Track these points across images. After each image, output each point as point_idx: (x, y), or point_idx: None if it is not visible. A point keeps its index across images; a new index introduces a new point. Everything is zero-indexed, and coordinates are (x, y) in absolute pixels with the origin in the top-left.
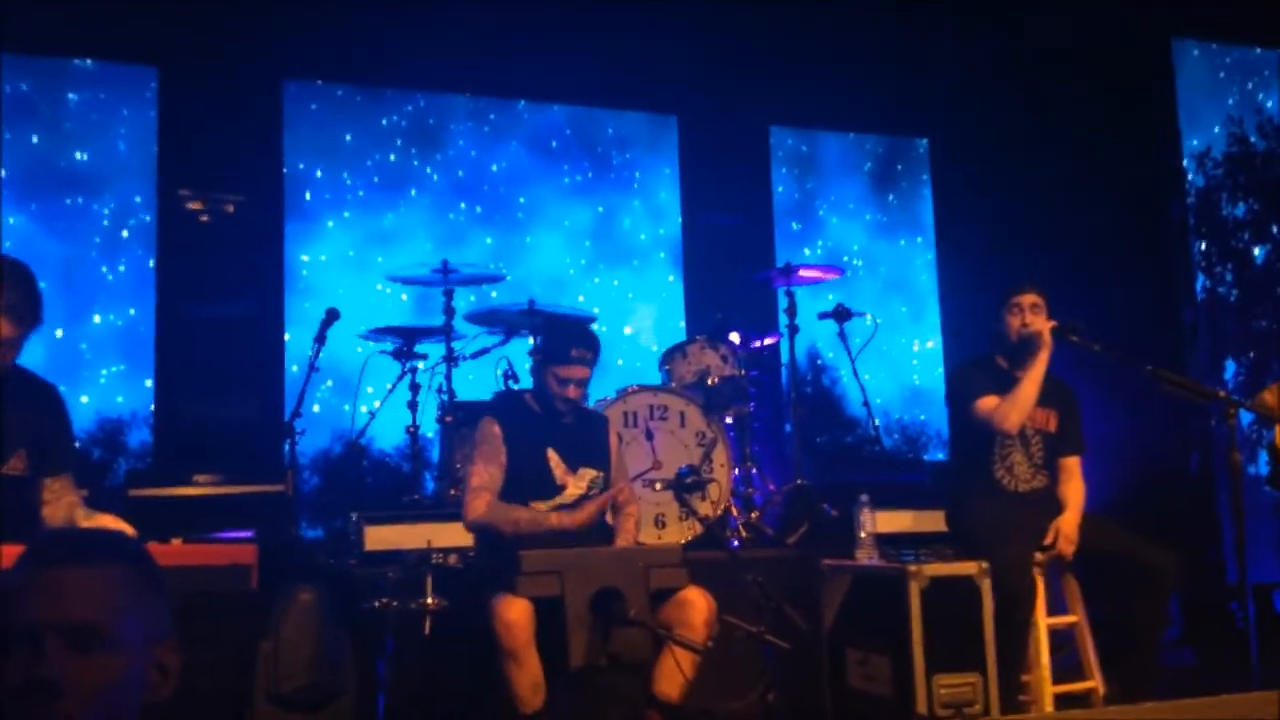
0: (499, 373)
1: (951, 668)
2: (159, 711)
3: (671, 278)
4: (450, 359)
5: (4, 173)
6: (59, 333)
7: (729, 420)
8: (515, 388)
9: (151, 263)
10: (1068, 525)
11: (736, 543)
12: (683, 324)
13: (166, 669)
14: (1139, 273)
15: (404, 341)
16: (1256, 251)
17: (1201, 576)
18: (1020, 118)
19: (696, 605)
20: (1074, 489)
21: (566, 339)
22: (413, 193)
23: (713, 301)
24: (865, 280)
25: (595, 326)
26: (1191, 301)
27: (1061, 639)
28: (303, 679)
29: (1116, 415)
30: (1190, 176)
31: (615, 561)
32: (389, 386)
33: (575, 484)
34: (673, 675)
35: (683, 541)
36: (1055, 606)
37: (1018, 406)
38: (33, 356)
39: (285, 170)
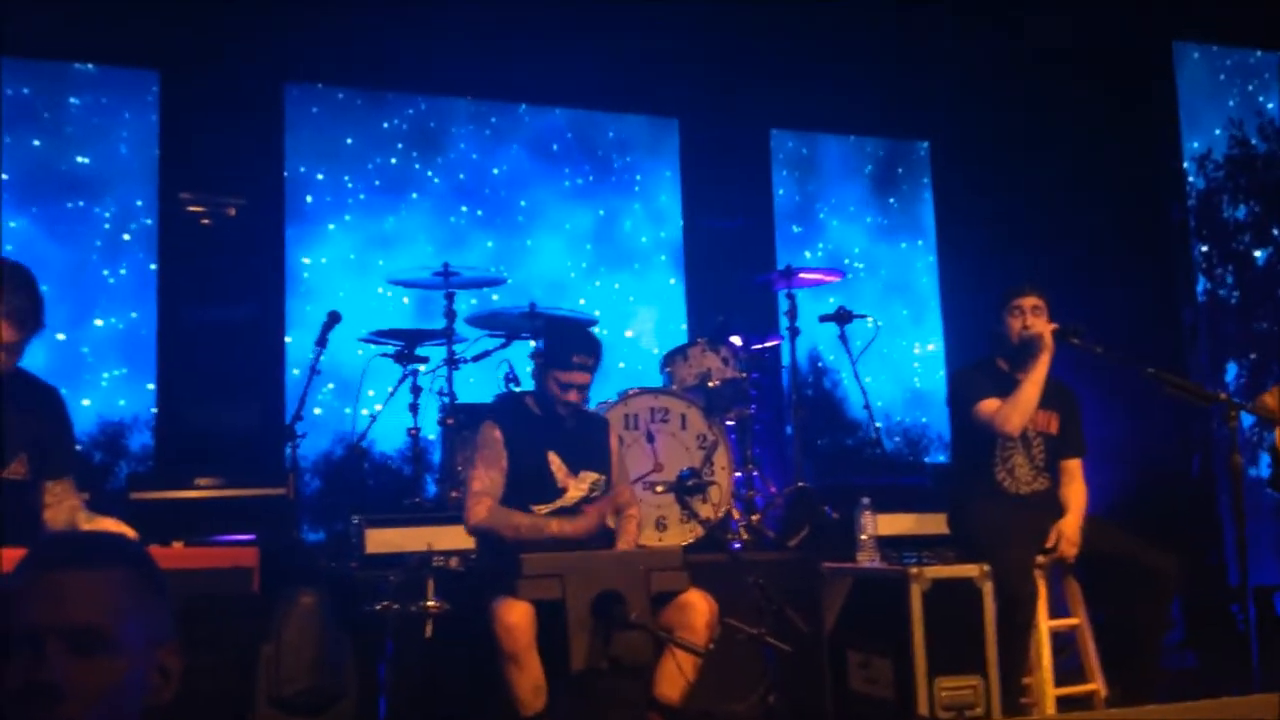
0: (500, 376)
1: (953, 670)
2: (160, 714)
3: (673, 280)
4: (451, 362)
5: (6, 176)
6: (61, 336)
7: (730, 423)
8: (516, 391)
9: (153, 266)
10: (1069, 528)
11: (738, 545)
12: (684, 327)
13: (168, 672)
14: (1139, 275)
15: (405, 344)
16: (1257, 254)
17: (1203, 579)
18: (1021, 120)
19: (698, 608)
20: (1075, 491)
21: (568, 344)
22: (414, 196)
23: (714, 304)
24: (866, 283)
25: (596, 329)
26: (1192, 303)
27: (1063, 641)
28: (304, 682)
29: (1117, 418)
30: (1191, 179)
31: (616, 564)
32: (390, 389)
33: (576, 487)
34: (674, 678)
35: (684, 544)
36: (1057, 609)
37: (1018, 409)
38: (34, 360)
39: (286, 173)
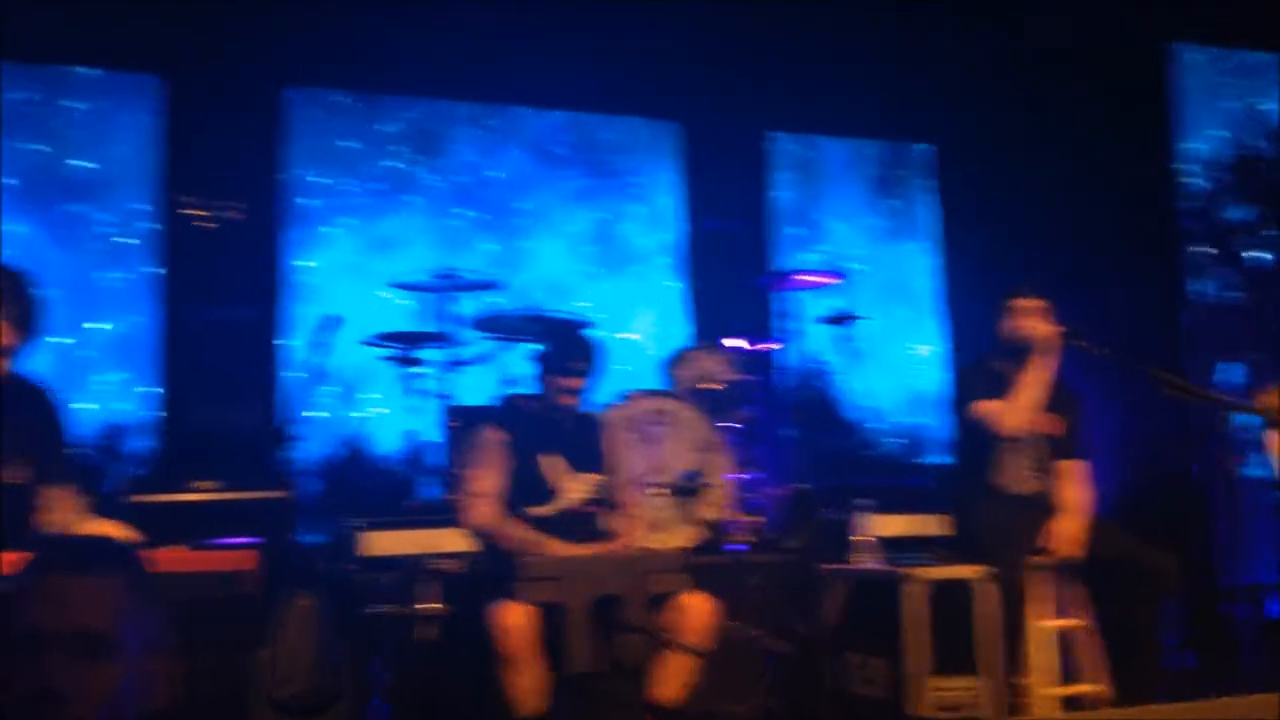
0: (500, 378)
1: (950, 671)
2: (159, 717)
3: (673, 283)
4: (452, 365)
5: (9, 181)
6: (61, 340)
7: (730, 425)
8: (516, 393)
9: (153, 270)
10: (1064, 528)
11: (737, 547)
12: (684, 329)
13: (165, 676)
14: (1139, 275)
15: (405, 347)
16: (1257, 255)
17: (1202, 579)
18: (1022, 121)
19: (697, 610)
20: (1075, 494)
21: (568, 348)
22: (414, 199)
23: (714, 307)
24: (866, 285)
25: (597, 332)
26: (1191, 305)
27: (1065, 642)
28: (302, 684)
29: (1117, 419)
30: (1191, 180)
31: (615, 567)
32: (390, 392)
33: (575, 489)
34: (673, 680)
35: (683, 546)
36: (1059, 610)
37: (1015, 410)
38: (35, 364)
39: (286, 177)
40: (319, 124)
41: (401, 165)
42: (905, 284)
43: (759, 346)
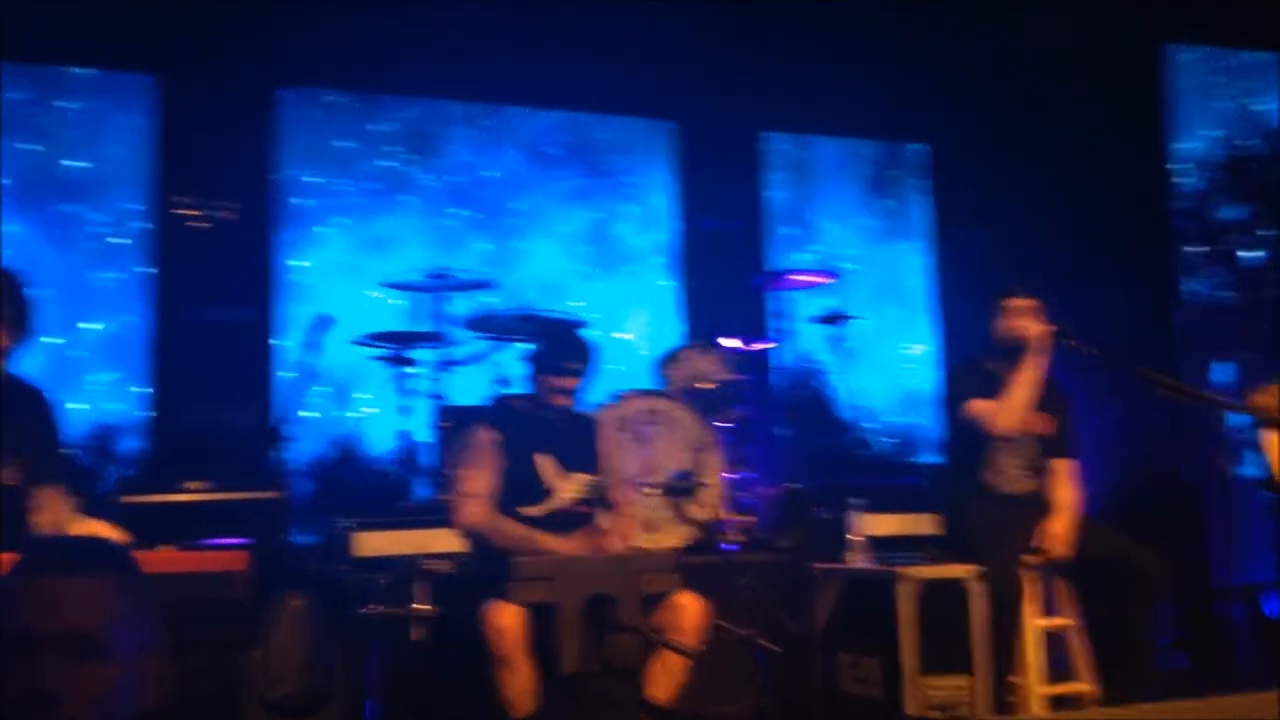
0: (493, 378)
1: (942, 670)
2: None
3: (666, 283)
4: (444, 364)
5: (3, 181)
6: (53, 340)
7: (722, 424)
8: (509, 393)
9: (146, 269)
10: (1055, 527)
11: (729, 547)
12: (677, 329)
13: (157, 677)
14: (1133, 275)
15: (398, 347)
16: (1250, 254)
17: (1193, 579)
18: (1016, 121)
19: (689, 609)
20: (1066, 493)
21: (561, 348)
22: (408, 199)
23: (707, 307)
24: (859, 285)
25: (590, 332)
26: (1185, 304)
27: (1054, 641)
28: (293, 684)
29: (1109, 418)
30: (1185, 179)
31: (607, 567)
32: (382, 392)
33: (567, 488)
34: (665, 680)
35: (676, 546)
36: (1048, 609)
37: (1008, 409)
38: (27, 364)
39: (280, 177)
40: (313, 124)
41: (396, 165)
42: (898, 284)
43: (752, 346)
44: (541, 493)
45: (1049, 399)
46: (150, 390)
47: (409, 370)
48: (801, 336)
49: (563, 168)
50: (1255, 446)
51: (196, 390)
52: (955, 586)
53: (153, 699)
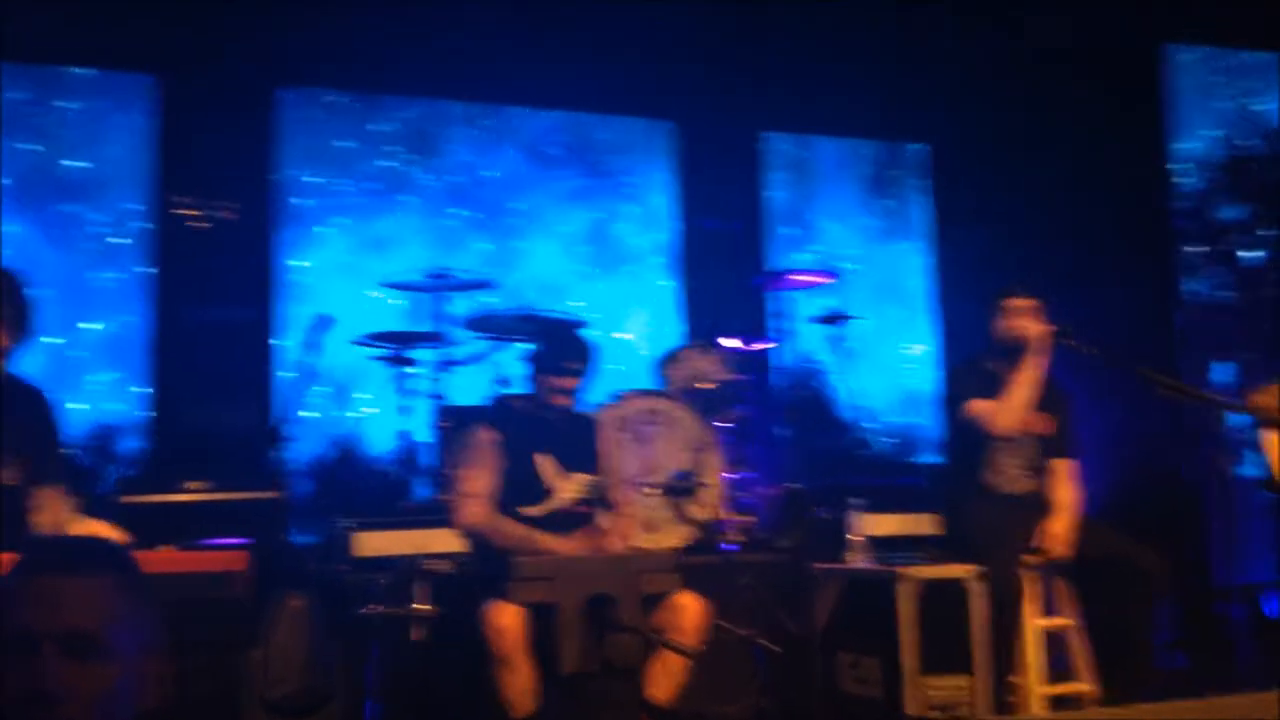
0: (493, 378)
1: (942, 670)
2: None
3: (666, 283)
4: (444, 364)
5: (4, 181)
6: (53, 340)
7: (722, 424)
8: (508, 393)
9: (145, 269)
10: (1056, 527)
11: (729, 547)
12: (678, 329)
13: (156, 677)
14: (1133, 275)
15: (398, 347)
16: (1250, 254)
17: (1193, 579)
18: (1015, 121)
19: (689, 609)
20: (1066, 493)
21: (562, 349)
22: (406, 199)
23: (707, 307)
24: (859, 285)
25: (590, 332)
26: (1185, 304)
27: (1054, 641)
28: (293, 685)
29: (1109, 418)
30: (1185, 179)
31: (607, 567)
32: (382, 392)
33: (567, 489)
34: (665, 680)
35: (676, 546)
36: (1048, 609)
37: (1008, 409)
38: (28, 364)
39: (280, 177)
40: (313, 124)
41: (396, 165)
42: (898, 284)
43: (752, 346)
44: (541, 493)
45: (1049, 399)
46: (150, 390)
47: (409, 370)
48: (801, 336)
49: (563, 168)
50: (1255, 446)
51: (196, 390)
52: (955, 586)
53: (153, 699)
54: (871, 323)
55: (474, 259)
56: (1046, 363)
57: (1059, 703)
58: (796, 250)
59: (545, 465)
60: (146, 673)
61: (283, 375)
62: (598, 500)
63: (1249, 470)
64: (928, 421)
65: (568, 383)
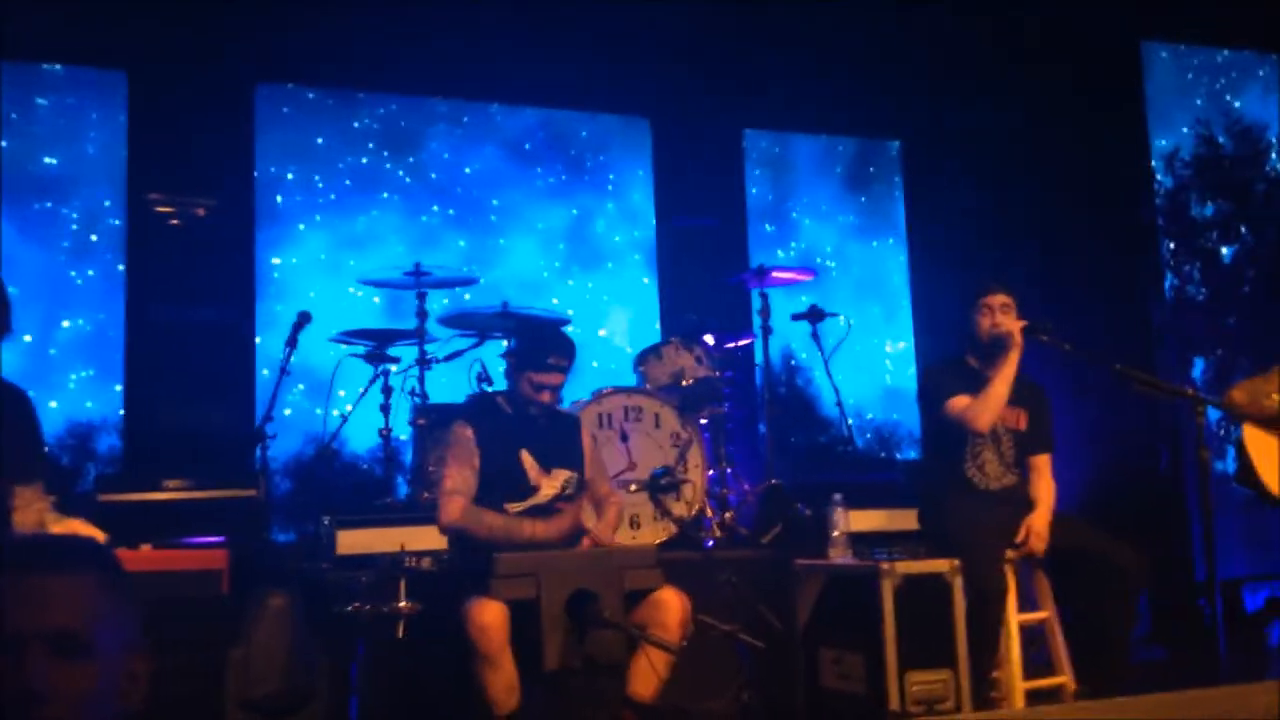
0: (472, 375)
1: (924, 665)
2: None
3: (646, 280)
4: (423, 362)
5: None
6: (28, 338)
7: (703, 421)
8: (488, 390)
9: (121, 267)
10: (1038, 523)
11: (711, 543)
12: (657, 326)
13: (137, 676)
14: (1109, 272)
15: (376, 344)
16: (1224, 251)
17: (1171, 573)
18: (993, 118)
19: (671, 606)
20: (1044, 487)
21: (542, 345)
22: (385, 196)
23: (687, 303)
24: (839, 281)
25: (569, 329)
26: (1160, 300)
27: (1032, 635)
28: (274, 684)
29: (1086, 414)
30: (1159, 177)
31: (590, 563)
32: (361, 390)
33: (549, 485)
34: (648, 676)
35: (657, 542)
36: (1026, 603)
37: (988, 406)
38: (5, 362)
39: (257, 174)
40: (291, 120)
41: (375, 162)
42: (878, 280)
43: (733, 343)
44: (521, 490)
45: (1024, 394)
46: (128, 388)
47: (389, 367)
48: (782, 333)
49: (542, 165)
50: (1234, 441)
51: (175, 388)
52: (937, 581)
53: (136, 698)
54: (852, 318)
55: (453, 256)
56: (1019, 357)
57: (1038, 696)
58: (777, 246)
59: (525, 461)
60: (131, 671)
61: (262, 373)
62: (578, 496)
63: (1229, 466)
64: (907, 417)
65: (549, 379)
